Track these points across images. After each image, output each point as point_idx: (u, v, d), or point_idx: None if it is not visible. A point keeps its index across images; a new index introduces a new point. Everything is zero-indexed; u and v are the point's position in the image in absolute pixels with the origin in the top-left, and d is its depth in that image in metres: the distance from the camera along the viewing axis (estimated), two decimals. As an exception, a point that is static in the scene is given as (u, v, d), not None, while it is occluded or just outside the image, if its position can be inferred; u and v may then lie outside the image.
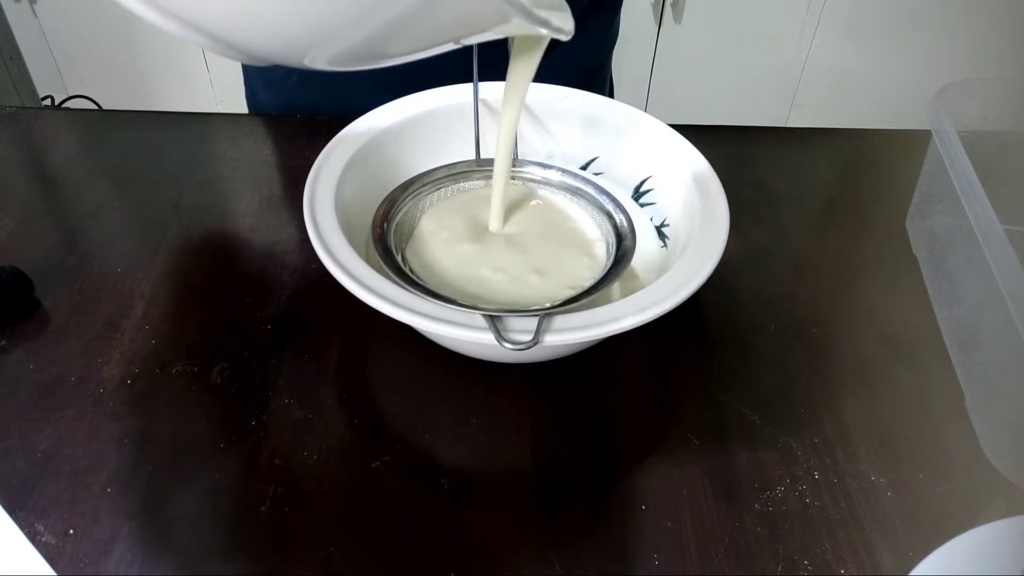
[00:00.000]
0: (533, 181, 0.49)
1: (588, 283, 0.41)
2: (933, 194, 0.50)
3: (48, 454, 0.38)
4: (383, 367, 0.44)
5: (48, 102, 1.63)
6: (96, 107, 1.68)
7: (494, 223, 0.46)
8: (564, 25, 0.33)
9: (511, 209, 0.48)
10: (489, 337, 0.35)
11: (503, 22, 0.30)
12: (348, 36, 0.28)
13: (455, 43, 0.32)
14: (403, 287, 0.38)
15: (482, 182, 0.50)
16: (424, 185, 0.47)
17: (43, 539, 0.35)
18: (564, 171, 0.49)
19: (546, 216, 0.48)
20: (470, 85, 0.50)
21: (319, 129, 0.60)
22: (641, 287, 0.38)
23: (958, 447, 0.41)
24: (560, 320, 0.36)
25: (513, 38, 0.40)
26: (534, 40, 0.39)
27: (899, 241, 0.54)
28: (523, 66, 0.40)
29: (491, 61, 0.48)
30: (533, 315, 0.36)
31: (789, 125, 1.59)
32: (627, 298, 0.38)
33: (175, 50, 1.62)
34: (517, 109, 0.42)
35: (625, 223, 0.45)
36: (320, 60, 0.30)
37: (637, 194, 0.51)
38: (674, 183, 0.48)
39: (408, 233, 0.46)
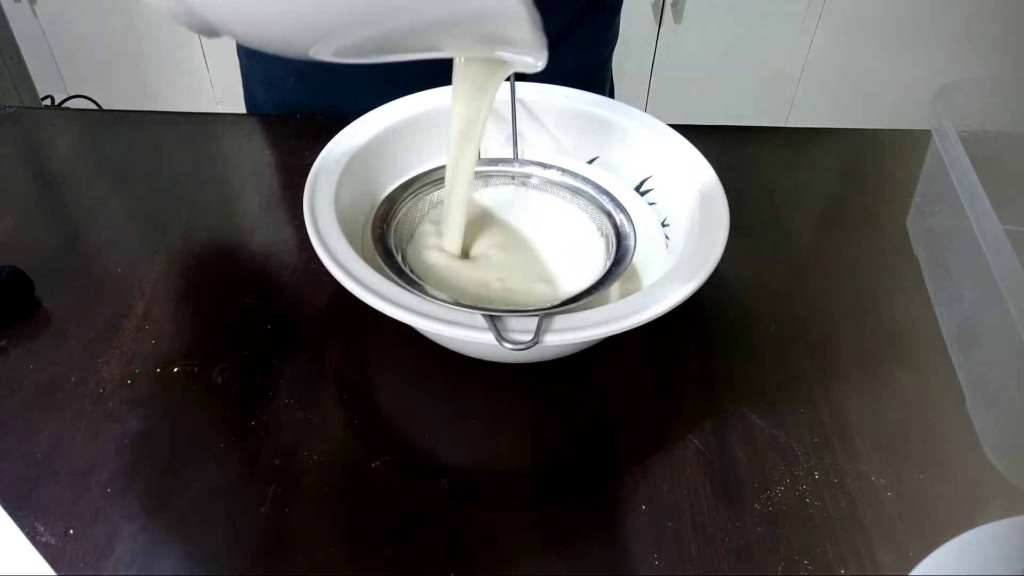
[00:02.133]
0: (533, 181, 0.49)
1: (588, 283, 0.41)
2: (933, 194, 0.50)
3: (48, 454, 0.38)
4: (383, 367, 0.44)
5: (48, 102, 1.63)
6: (96, 107, 1.68)
7: (453, 244, 0.44)
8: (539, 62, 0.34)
9: (511, 209, 0.48)
10: (489, 337, 0.35)
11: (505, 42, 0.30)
12: (353, 32, 0.28)
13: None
14: (403, 287, 0.38)
15: (481, 182, 0.50)
16: (424, 185, 0.47)
17: (43, 539, 0.35)
18: (564, 171, 0.49)
19: (546, 216, 0.48)
20: (470, 85, 0.50)
21: (319, 129, 0.60)
22: (641, 287, 0.38)
23: (958, 447, 0.41)
24: (560, 320, 0.36)
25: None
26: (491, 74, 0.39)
27: (899, 241, 0.54)
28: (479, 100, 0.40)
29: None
30: (533, 315, 0.36)
31: (789, 125, 1.58)
32: (627, 298, 0.38)
33: (175, 50, 1.62)
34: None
35: (625, 223, 0.45)
36: (328, 51, 0.31)
37: (637, 194, 0.51)
38: (674, 183, 0.48)
39: (408, 233, 0.46)
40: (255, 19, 0.29)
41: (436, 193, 0.48)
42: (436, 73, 0.50)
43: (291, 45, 0.31)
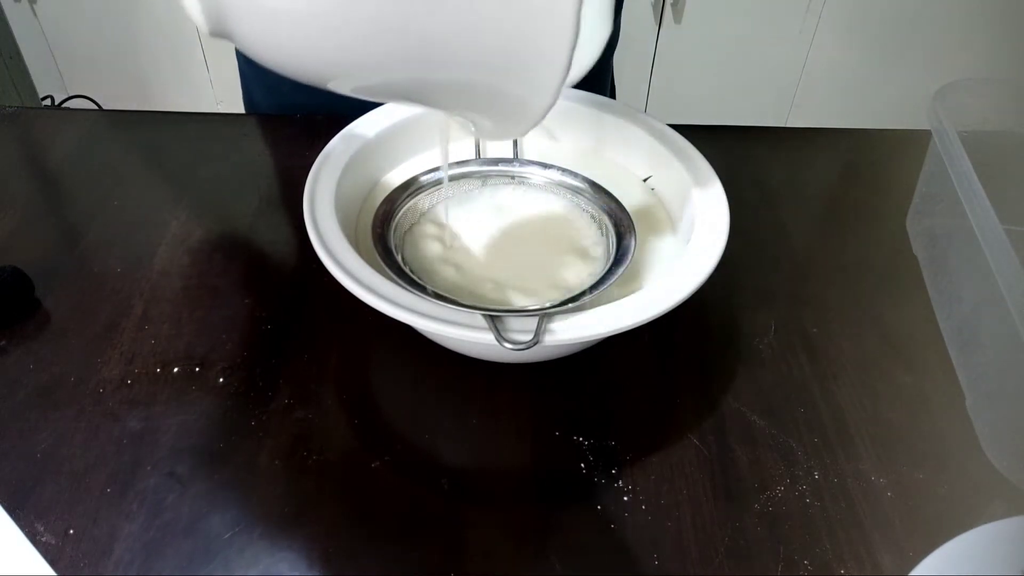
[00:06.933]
0: (533, 181, 0.49)
1: (588, 283, 0.41)
2: (933, 194, 0.50)
3: (48, 454, 0.38)
4: (383, 367, 0.44)
5: (48, 102, 1.63)
6: (96, 107, 1.68)
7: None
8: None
9: (511, 209, 0.48)
10: (489, 337, 0.35)
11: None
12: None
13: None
14: (403, 287, 0.38)
15: (479, 181, 0.50)
16: (424, 185, 0.47)
17: (43, 539, 0.35)
18: (564, 171, 0.49)
19: (546, 216, 0.48)
20: (470, 85, 0.50)
21: (319, 129, 0.60)
22: (642, 287, 0.38)
23: (958, 447, 0.41)
24: (560, 320, 0.36)
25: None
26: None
27: (899, 241, 0.54)
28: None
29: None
30: (533, 315, 0.36)
31: (789, 125, 1.59)
32: (627, 298, 0.38)
33: (175, 50, 1.62)
34: None
35: (626, 223, 0.45)
36: (347, 88, 0.32)
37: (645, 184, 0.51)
38: (674, 183, 0.48)
39: (408, 233, 0.46)
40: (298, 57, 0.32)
41: (436, 193, 0.48)
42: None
43: (311, 76, 0.34)
